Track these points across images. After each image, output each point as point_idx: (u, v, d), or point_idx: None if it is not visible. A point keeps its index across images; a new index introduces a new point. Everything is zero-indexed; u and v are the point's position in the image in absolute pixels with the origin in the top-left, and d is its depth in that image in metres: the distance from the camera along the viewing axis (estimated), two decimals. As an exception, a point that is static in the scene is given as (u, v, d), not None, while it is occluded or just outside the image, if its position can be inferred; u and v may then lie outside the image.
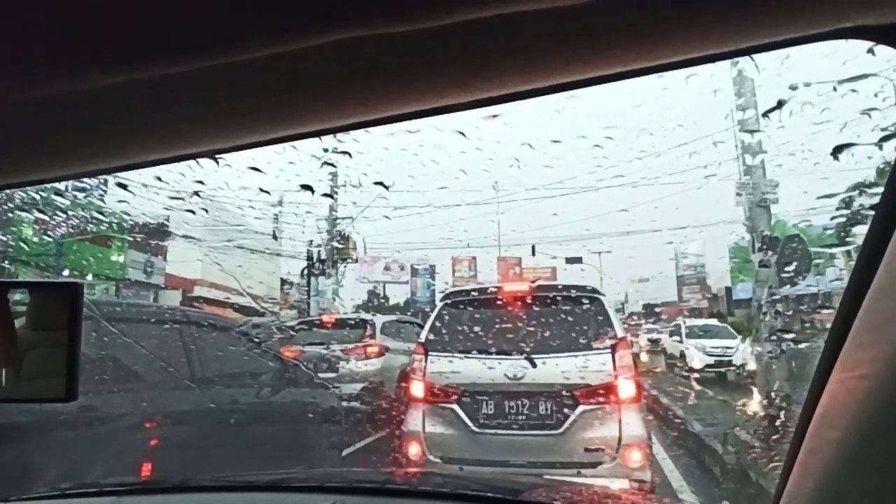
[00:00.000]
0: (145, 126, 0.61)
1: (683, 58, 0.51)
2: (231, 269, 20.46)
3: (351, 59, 0.49)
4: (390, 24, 0.42)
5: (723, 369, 12.51)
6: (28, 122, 0.58)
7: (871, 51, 0.60)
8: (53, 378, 0.84)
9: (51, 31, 0.45)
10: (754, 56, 0.56)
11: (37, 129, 0.60)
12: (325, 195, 12.63)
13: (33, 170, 0.72)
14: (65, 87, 0.50)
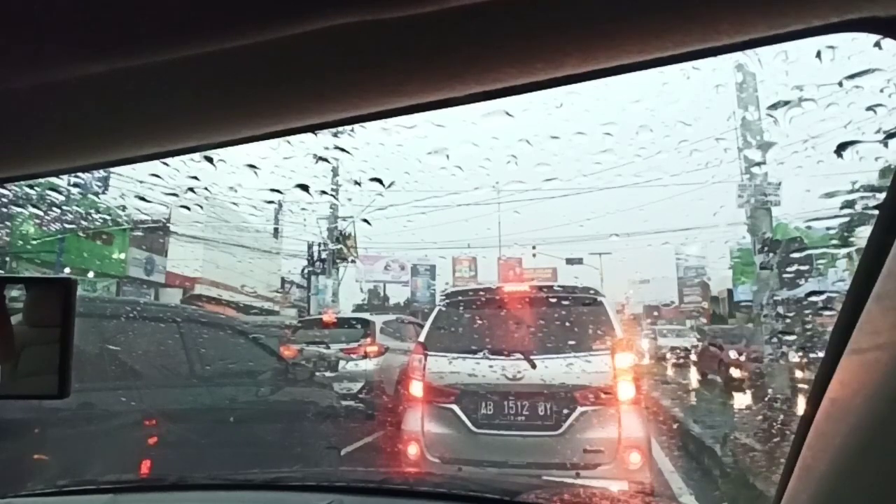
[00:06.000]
0: (135, 120, 0.60)
1: (686, 50, 0.50)
2: (232, 268, 20.49)
3: (343, 50, 0.49)
4: (382, 10, 0.41)
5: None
6: (17, 114, 0.57)
7: (877, 44, 0.59)
8: (46, 375, 0.83)
9: (41, 18, 0.44)
10: (757, 51, 0.55)
11: (25, 121, 0.59)
12: (322, 192, 12.62)
13: (23, 165, 0.71)
14: (54, 75, 0.49)
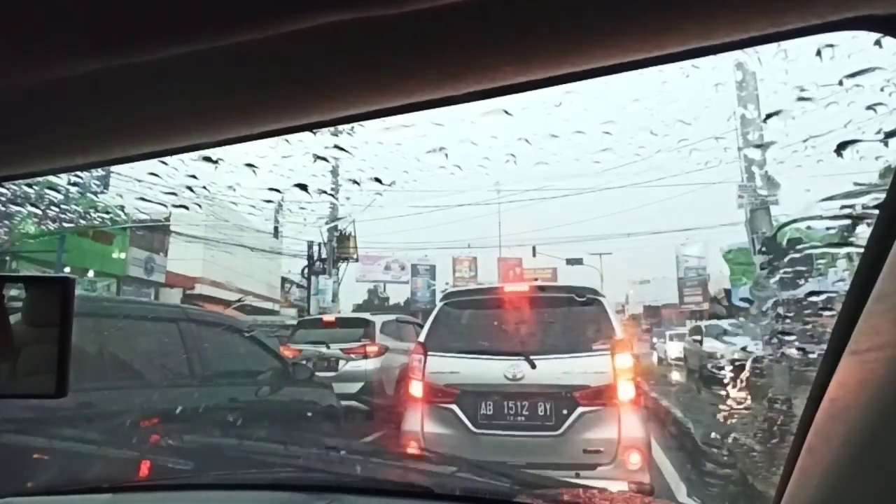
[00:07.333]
0: (134, 119, 0.60)
1: (685, 49, 0.49)
2: (232, 267, 20.47)
3: (341, 48, 0.49)
4: (380, 8, 0.41)
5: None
6: (15, 113, 0.57)
7: (878, 43, 0.59)
8: (45, 374, 0.83)
9: (39, 16, 0.44)
10: (757, 49, 0.55)
11: (23, 120, 0.59)
12: (321, 192, 12.61)
13: (21, 163, 0.71)
14: (52, 74, 0.49)
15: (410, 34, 0.47)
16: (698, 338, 13.62)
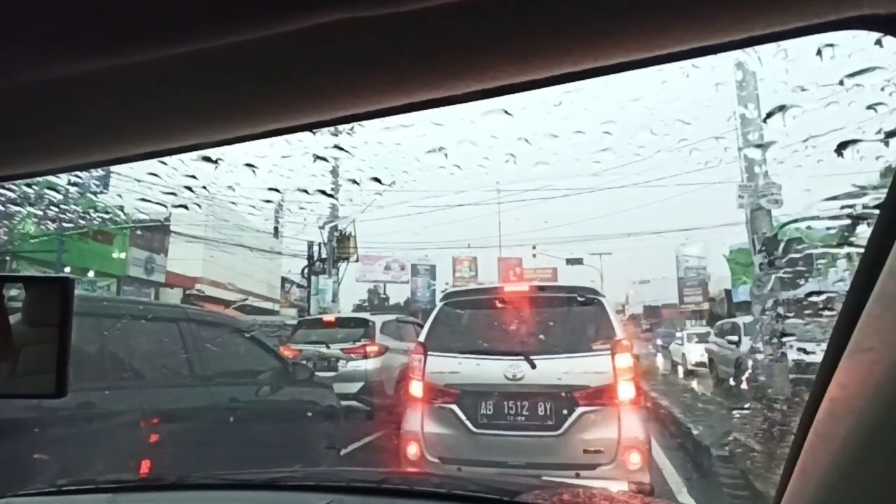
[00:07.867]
0: (133, 118, 0.60)
1: (685, 48, 0.49)
2: (232, 267, 20.48)
3: (341, 47, 0.48)
4: (379, 6, 0.41)
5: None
6: (14, 112, 0.57)
7: (878, 42, 0.59)
8: (44, 374, 0.83)
9: (38, 15, 0.44)
10: (757, 48, 0.55)
11: (23, 119, 0.59)
12: (320, 192, 12.60)
13: (21, 163, 0.71)
14: (52, 73, 0.49)
15: (410, 33, 0.47)
16: (735, 338, 10.19)
